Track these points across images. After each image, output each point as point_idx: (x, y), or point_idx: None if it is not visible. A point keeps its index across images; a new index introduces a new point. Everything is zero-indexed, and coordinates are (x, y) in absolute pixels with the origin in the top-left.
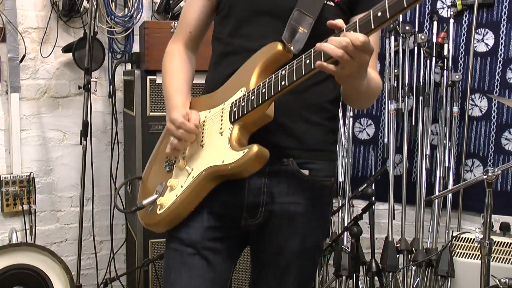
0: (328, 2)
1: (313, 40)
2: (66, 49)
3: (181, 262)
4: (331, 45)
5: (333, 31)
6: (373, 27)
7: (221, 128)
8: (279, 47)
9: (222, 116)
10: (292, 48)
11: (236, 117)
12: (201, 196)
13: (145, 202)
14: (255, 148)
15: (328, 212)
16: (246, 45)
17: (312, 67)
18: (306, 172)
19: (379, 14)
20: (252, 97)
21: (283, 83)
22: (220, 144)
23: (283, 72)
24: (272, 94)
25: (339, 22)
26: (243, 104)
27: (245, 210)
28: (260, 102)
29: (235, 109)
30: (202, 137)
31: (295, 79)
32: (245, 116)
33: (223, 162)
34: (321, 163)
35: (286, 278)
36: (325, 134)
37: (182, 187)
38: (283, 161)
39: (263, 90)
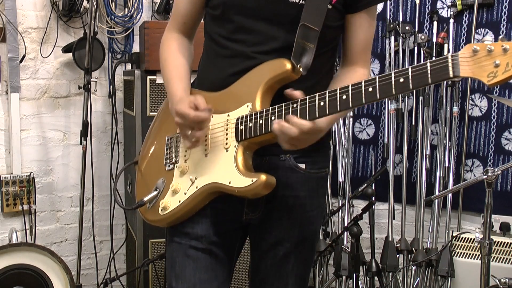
0: (327, 7)
1: (320, 52)
2: (66, 49)
3: (186, 255)
4: (281, 131)
5: (338, 32)
6: (317, 115)
7: (226, 144)
8: (288, 66)
9: (227, 130)
10: (300, 69)
11: (243, 138)
12: (204, 203)
13: (145, 199)
14: (263, 177)
15: (324, 201)
16: (244, 50)
17: (327, 112)
18: (303, 165)
19: (321, 103)
20: (261, 121)
21: None
22: (226, 162)
23: (295, 106)
24: None
25: (298, 94)
26: (250, 125)
27: (246, 205)
28: (270, 130)
29: (241, 127)
30: (206, 145)
31: (307, 118)
32: (252, 138)
33: (229, 183)
34: (316, 155)
35: (285, 266)
36: None
37: (185, 194)
38: (281, 157)
39: (273, 118)
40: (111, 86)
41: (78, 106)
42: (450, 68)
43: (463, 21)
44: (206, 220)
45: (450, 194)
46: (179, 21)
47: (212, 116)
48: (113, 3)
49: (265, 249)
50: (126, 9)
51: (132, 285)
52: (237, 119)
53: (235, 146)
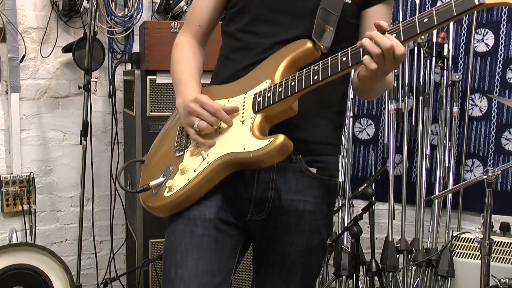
0: (346, 0)
1: (337, 38)
2: (66, 49)
3: (189, 242)
4: (372, 43)
5: (355, 32)
6: (418, 31)
7: (242, 117)
8: (309, 44)
9: (244, 106)
10: (321, 46)
11: (261, 107)
12: (213, 183)
13: (151, 183)
14: (280, 138)
15: (332, 211)
16: (260, 41)
17: (350, 65)
18: (314, 170)
19: (426, 20)
20: (280, 89)
21: (315, 77)
22: (241, 132)
23: (316, 68)
24: (303, 87)
25: (384, 23)
26: (269, 95)
27: (253, 204)
28: (289, 94)
29: (259, 99)
30: (220, 123)
31: (329, 74)
32: (270, 107)
33: (244, 149)
34: (328, 160)
35: (292, 278)
36: (333, 129)
37: (195, 171)
38: (292, 158)
39: (293, 83)
40: (111, 86)
41: (78, 106)
42: None
43: (463, 21)
44: (216, 204)
45: (450, 194)
46: (194, 24)
47: (228, 100)
48: (113, 3)
49: (272, 260)
50: (126, 9)
51: (132, 285)
52: (255, 94)
53: (251, 118)
